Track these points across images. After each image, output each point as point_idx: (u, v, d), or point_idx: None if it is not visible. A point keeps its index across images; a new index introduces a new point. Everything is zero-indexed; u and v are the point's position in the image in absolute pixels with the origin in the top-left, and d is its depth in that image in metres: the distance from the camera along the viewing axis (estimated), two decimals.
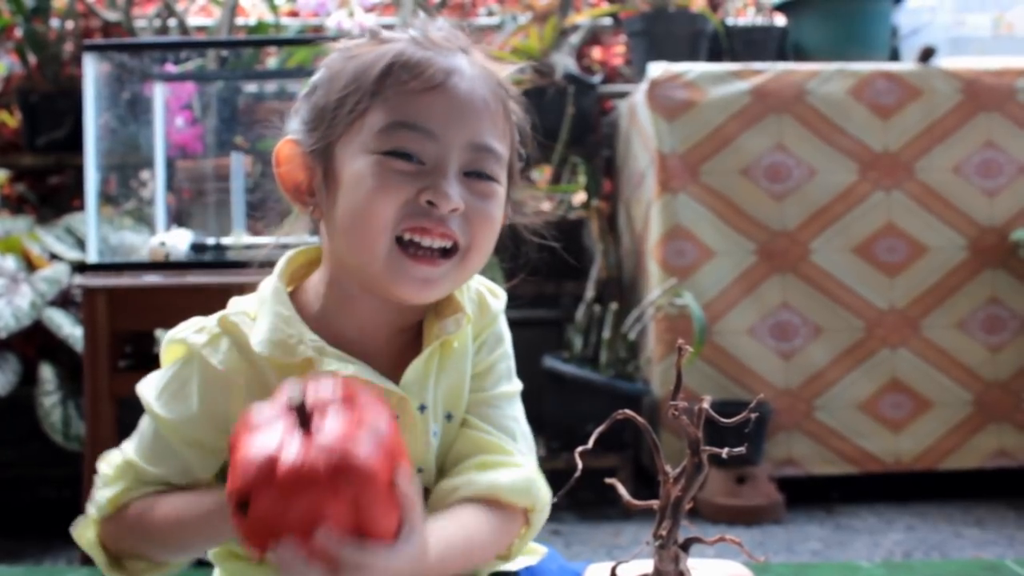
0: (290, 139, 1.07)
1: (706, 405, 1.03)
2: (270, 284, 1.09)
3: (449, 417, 1.12)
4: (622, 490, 0.99)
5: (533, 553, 1.19)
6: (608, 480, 1.01)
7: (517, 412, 1.17)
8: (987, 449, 2.81)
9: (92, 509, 1.10)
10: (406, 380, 1.07)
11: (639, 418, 1.00)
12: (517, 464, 1.11)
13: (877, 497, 2.80)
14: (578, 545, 2.47)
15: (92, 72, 2.11)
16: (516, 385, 1.18)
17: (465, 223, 1.03)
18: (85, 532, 1.10)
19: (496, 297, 1.17)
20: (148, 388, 1.10)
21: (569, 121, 2.96)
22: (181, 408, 1.07)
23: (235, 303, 1.10)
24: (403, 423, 1.06)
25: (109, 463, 1.11)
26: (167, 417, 1.07)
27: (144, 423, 1.11)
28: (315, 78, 1.08)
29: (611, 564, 1.00)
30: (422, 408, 1.08)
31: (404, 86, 1.02)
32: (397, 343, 1.10)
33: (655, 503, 0.98)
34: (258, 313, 1.07)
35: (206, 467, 1.09)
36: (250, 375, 1.06)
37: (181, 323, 1.10)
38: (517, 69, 1.12)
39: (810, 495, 2.78)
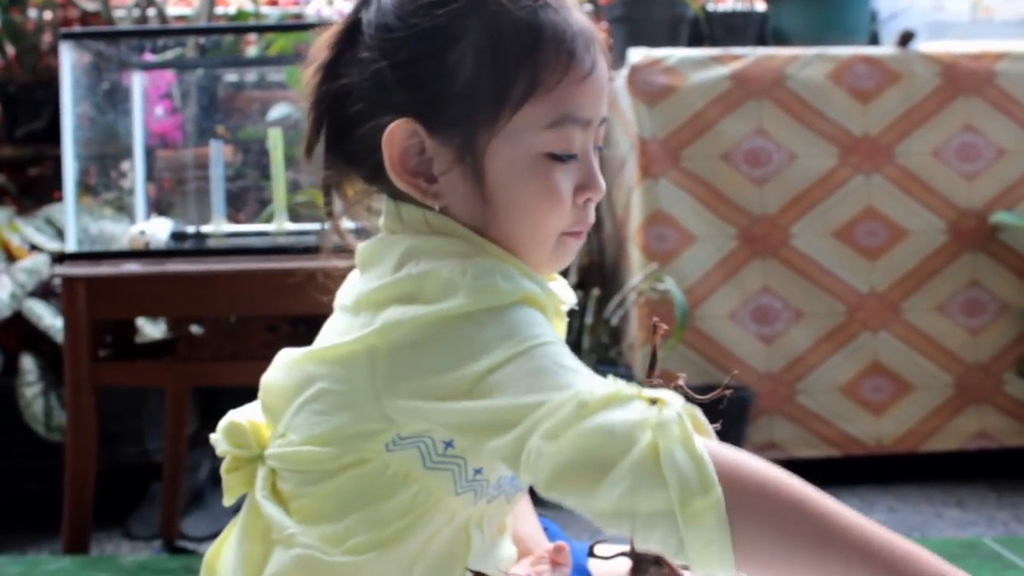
0: (407, 120, 0.92)
1: (681, 382, 1.04)
2: (469, 236, 0.93)
3: None
4: None
5: None
6: None
7: None
8: (968, 431, 2.82)
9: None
10: None
11: None
12: None
13: (859, 480, 2.81)
14: (571, 528, 2.47)
15: (69, 61, 2.10)
16: None
17: None
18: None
19: None
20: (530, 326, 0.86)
21: None
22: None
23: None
24: None
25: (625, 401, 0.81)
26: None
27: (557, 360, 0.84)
28: (401, 34, 0.92)
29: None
30: None
31: (566, 73, 0.91)
32: None
33: None
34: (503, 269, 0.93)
35: None
36: None
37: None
38: None
39: None
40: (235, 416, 1.00)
